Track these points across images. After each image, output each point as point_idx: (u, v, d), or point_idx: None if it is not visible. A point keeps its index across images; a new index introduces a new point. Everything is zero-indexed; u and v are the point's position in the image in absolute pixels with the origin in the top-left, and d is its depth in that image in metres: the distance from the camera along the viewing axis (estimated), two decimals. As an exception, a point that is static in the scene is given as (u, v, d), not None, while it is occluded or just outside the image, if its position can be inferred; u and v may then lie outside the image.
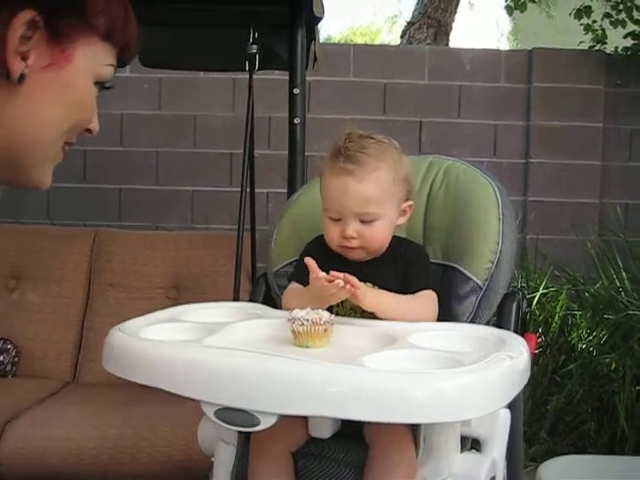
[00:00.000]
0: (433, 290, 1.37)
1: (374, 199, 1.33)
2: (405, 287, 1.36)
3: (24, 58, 0.74)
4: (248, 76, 2.18)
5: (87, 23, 0.80)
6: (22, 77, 0.74)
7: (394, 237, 1.41)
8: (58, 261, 2.73)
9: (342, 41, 10.07)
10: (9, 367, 2.56)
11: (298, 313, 1.16)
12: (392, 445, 1.16)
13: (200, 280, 2.66)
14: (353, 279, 1.24)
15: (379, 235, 1.36)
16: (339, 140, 1.36)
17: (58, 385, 2.52)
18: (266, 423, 0.98)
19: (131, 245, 2.78)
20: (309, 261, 1.27)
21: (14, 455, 2.01)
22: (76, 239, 2.81)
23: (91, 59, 0.82)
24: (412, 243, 1.47)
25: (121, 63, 0.88)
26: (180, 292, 2.68)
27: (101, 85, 0.86)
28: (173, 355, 1.06)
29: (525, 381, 1.11)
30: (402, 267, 1.38)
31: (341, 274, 1.24)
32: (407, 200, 1.41)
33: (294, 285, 1.42)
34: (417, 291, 1.36)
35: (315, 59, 2.39)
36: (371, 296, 1.29)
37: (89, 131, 0.88)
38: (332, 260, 1.37)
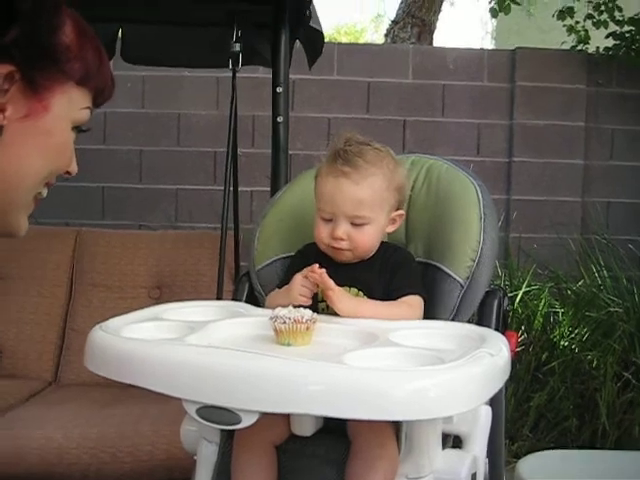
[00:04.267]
0: (420, 295, 1.38)
1: (367, 203, 1.35)
2: (390, 292, 1.37)
3: (2, 110, 0.75)
4: (231, 74, 2.18)
5: (62, 71, 0.81)
6: (0, 129, 0.76)
7: (382, 243, 1.43)
8: (39, 260, 2.71)
9: (327, 40, 10.08)
10: (-11, 368, 2.54)
11: (280, 311, 1.16)
12: (373, 441, 1.17)
13: (183, 279, 2.66)
14: (327, 280, 1.28)
15: (367, 239, 1.38)
16: (338, 143, 1.39)
17: (40, 385, 2.50)
18: (247, 421, 0.98)
19: (114, 244, 2.77)
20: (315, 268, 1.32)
21: None
22: (57, 238, 2.79)
23: (68, 105, 0.83)
24: (399, 248, 1.48)
25: (97, 104, 0.88)
26: (163, 291, 2.67)
27: (78, 128, 0.87)
28: (154, 354, 1.06)
29: (506, 378, 1.12)
30: (388, 272, 1.40)
31: (318, 272, 1.28)
32: (398, 209, 1.43)
33: (276, 290, 1.44)
34: (401, 296, 1.36)
35: (320, 53, 2.36)
36: (347, 301, 1.31)
37: (68, 173, 0.89)
38: (322, 264, 1.37)
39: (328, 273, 1.33)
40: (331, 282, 1.29)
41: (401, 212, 1.44)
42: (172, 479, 2.02)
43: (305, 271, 1.35)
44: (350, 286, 1.37)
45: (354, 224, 1.36)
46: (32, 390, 2.43)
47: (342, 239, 1.36)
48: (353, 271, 1.39)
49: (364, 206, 1.35)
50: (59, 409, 2.20)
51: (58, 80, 0.81)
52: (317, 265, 1.32)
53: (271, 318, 1.16)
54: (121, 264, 2.72)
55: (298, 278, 1.35)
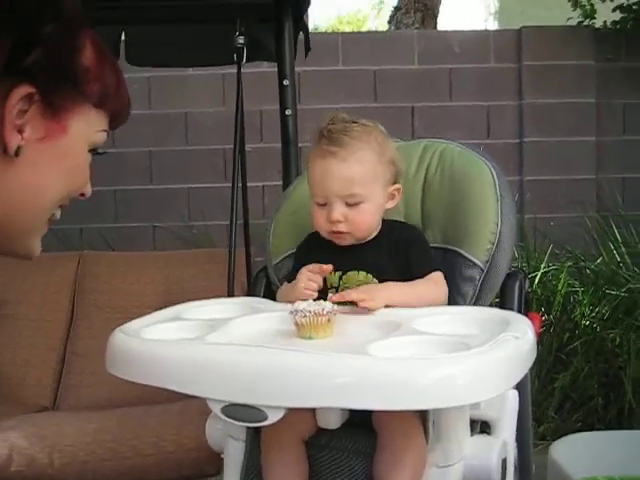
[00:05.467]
0: (439, 270, 1.36)
1: (358, 180, 1.31)
2: (409, 270, 1.34)
3: (20, 131, 0.75)
4: (236, 70, 2.16)
5: (81, 93, 0.81)
6: (18, 150, 0.75)
7: (386, 220, 1.40)
8: (40, 284, 2.64)
9: (329, 30, 10.04)
10: (-14, 393, 2.44)
11: (300, 305, 1.15)
12: (400, 432, 1.16)
13: (192, 297, 2.55)
14: (351, 294, 1.24)
15: (365, 218, 1.34)
16: (323, 123, 1.35)
17: (34, 409, 2.38)
18: (274, 417, 0.97)
19: (118, 265, 2.68)
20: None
21: None
22: (59, 262, 2.70)
23: (85, 127, 0.83)
24: (406, 224, 1.45)
25: (112, 127, 0.89)
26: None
27: (94, 151, 0.87)
28: (175, 354, 1.06)
29: (532, 361, 1.10)
30: (401, 250, 1.36)
31: (343, 294, 1.25)
32: (394, 183, 1.39)
33: (285, 284, 1.43)
34: (425, 274, 1.34)
35: (309, 48, 2.37)
36: (381, 297, 1.26)
37: (82, 194, 0.88)
38: (325, 252, 1.37)
39: (335, 260, 1.33)
40: (351, 293, 1.24)
41: (398, 186, 1.39)
42: (182, 475, 1.97)
43: (310, 266, 1.33)
44: (358, 270, 1.34)
45: (349, 204, 1.32)
46: (25, 412, 2.31)
47: (339, 221, 1.32)
48: (360, 253, 1.36)
49: (355, 183, 1.31)
50: (55, 422, 2.12)
51: (77, 102, 0.81)
52: (325, 266, 1.31)
53: (291, 312, 1.15)
54: (126, 283, 2.61)
55: (303, 272, 1.33)
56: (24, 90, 0.74)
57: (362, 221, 1.34)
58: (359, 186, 1.31)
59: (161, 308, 2.47)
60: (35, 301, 2.62)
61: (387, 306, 1.26)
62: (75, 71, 0.79)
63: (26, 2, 0.73)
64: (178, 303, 2.47)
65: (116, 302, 2.58)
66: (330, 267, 1.31)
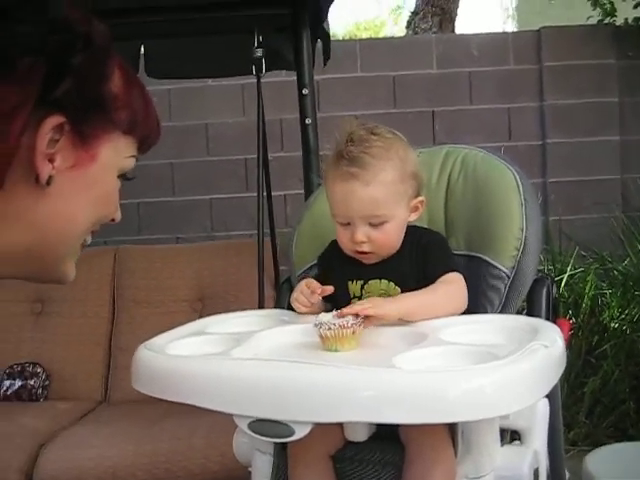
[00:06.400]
0: (457, 271, 1.32)
1: (382, 202, 1.28)
2: (425, 274, 1.31)
3: (51, 160, 0.76)
4: (256, 80, 2.17)
5: (110, 120, 0.81)
6: (50, 179, 0.76)
7: (409, 227, 1.37)
8: (81, 282, 2.70)
9: (347, 37, 10.04)
10: (40, 391, 2.56)
11: (324, 317, 1.14)
12: (429, 445, 1.14)
13: (224, 289, 2.65)
14: (354, 307, 1.17)
15: (389, 238, 1.32)
16: (340, 142, 1.30)
17: (90, 405, 2.52)
18: (301, 432, 0.96)
19: (152, 260, 2.78)
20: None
21: (49, 478, 2.01)
22: (97, 258, 2.80)
23: (114, 154, 0.83)
24: (426, 230, 1.42)
25: (142, 151, 0.89)
26: (205, 303, 2.67)
27: (123, 176, 0.87)
28: (200, 370, 1.05)
29: (562, 369, 1.07)
30: (420, 255, 1.34)
31: (351, 311, 1.17)
32: (417, 196, 1.35)
33: None
34: (438, 276, 1.30)
35: (328, 57, 2.37)
36: (390, 308, 1.21)
37: (112, 220, 0.89)
38: (346, 260, 1.35)
39: (357, 269, 1.32)
40: (354, 306, 1.18)
41: (421, 198, 1.36)
42: None
43: (310, 281, 1.32)
44: (380, 278, 1.32)
45: (372, 224, 1.29)
46: (83, 410, 2.45)
47: (363, 242, 1.30)
48: (382, 262, 1.34)
49: (379, 205, 1.28)
50: (111, 428, 2.23)
51: (106, 130, 0.81)
52: (326, 287, 1.29)
53: (316, 325, 1.14)
54: (160, 278, 2.72)
55: (301, 285, 1.33)
56: (55, 120, 0.75)
57: (386, 240, 1.32)
58: (383, 207, 1.29)
59: (195, 301, 2.60)
60: (78, 298, 2.71)
61: (401, 319, 1.22)
62: (104, 99, 0.80)
63: (58, 34, 0.73)
64: (211, 295, 2.57)
65: (154, 297, 2.70)
66: (331, 289, 1.29)
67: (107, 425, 2.26)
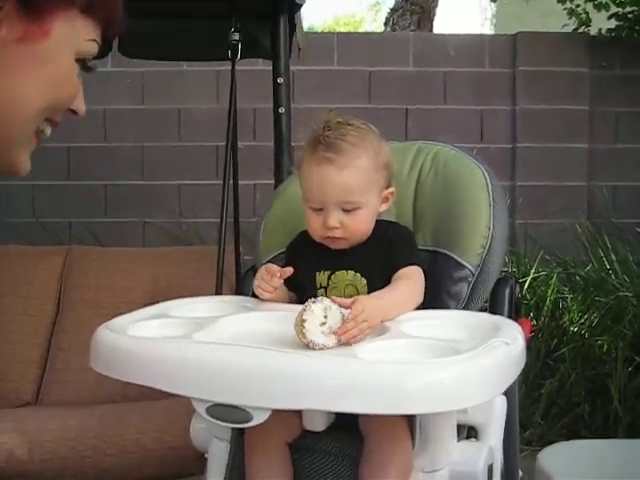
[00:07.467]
0: (417, 265, 1.32)
1: (355, 188, 1.30)
2: (389, 267, 1.32)
3: None
4: (231, 66, 2.15)
5: None
6: None
7: (377, 221, 1.39)
8: (26, 277, 2.59)
9: (325, 30, 10.03)
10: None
11: (330, 303, 1.10)
12: (387, 437, 1.15)
13: (179, 295, 2.52)
14: (348, 327, 1.08)
15: (361, 224, 1.34)
16: (317, 128, 1.33)
17: (16, 404, 2.35)
18: (259, 418, 0.96)
19: (106, 260, 2.65)
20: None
21: None
22: (46, 256, 2.66)
23: (71, 34, 0.79)
24: (394, 224, 1.44)
25: (106, 40, 0.84)
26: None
27: (83, 63, 0.82)
28: (161, 352, 1.04)
29: (521, 367, 1.09)
30: (386, 247, 1.35)
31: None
32: (388, 187, 1.38)
33: None
34: (398, 269, 1.31)
35: (299, 49, 2.36)
36: (378, 315, 1.16)
37: (74, 112, 0.84)
38: (314, 251, 1.36)
39: (325, 260, 1.33)
40: (355, 312, 1.11)
41: (392, 190, 1.39)
42: (164, 474, 1.94)
43: (270, 266, 1.32)
44: (347, 270, 1.34)
45: (345, 210, 1.31)
46: (8, 407, 2.28)
47: (336, 227, 1.32)
48: (349, 253, 1.35)
49: (353, 191, 1.30)
50: (36, 417, 2.09)
51: (59, 5, 0.77)
52: (285, 269, 1.29)
53: (313, 302, 1.09)
54: (113, 279, 2.57)
55: (261, 271, 1.33)
56: None
57: (358, 227, 1.34)
58: (356, 194, 1.31)
59: (149, 305, 2.49)
60: (20, 294, 2.57)
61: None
62: None
63: None
64: (166, 300, 2.48)
65: (103, 298, 2.54)
66: (290, 270, 1.29)
67: (32, 415, 2.11)
